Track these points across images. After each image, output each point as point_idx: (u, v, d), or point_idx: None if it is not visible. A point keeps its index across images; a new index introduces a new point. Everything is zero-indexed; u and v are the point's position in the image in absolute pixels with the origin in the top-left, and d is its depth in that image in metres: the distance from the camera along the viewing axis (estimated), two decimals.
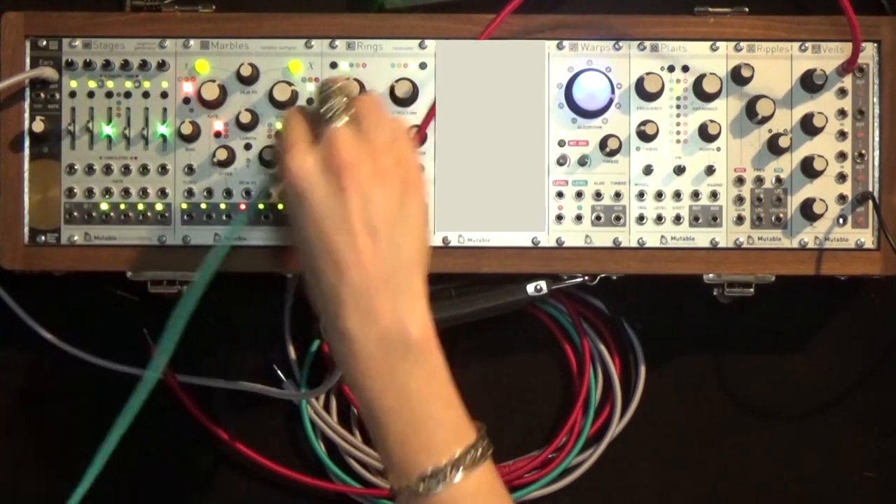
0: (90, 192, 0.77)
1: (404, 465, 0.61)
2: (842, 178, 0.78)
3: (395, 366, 0.61)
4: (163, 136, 0.78)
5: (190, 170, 0.78)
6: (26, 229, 0.77)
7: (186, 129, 0.77)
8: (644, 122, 0.77)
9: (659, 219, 0.78)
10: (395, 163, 0.63)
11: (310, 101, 0.77)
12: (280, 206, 0.76)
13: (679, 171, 0.78)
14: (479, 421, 0.65)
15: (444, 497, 0.60)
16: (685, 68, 0.78)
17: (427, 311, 0.63)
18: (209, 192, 0.78)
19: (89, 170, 0.77)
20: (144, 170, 0.77)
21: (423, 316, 0.62)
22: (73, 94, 0.77)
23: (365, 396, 0.62)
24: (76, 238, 0.77)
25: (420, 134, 0.72)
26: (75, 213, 0.77)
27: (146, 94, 0.78)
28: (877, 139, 0.78)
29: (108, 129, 0.77)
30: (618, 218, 0.78)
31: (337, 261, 0.60)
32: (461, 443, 0.62)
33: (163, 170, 0.77)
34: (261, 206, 0.77)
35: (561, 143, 0.78)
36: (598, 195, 0.78)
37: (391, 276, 0.61)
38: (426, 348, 0.62)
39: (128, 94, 0.78)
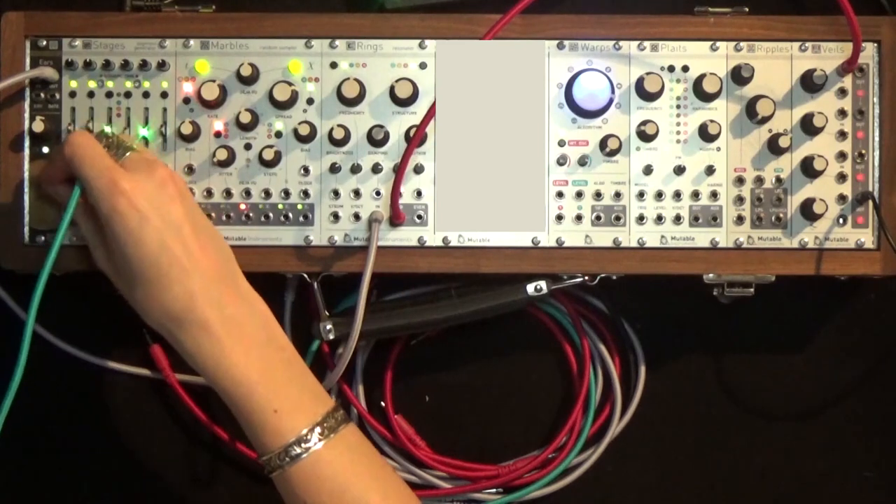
0: None
1: (274, 434, 0.67)
2: (842, 178, 0.78)
3: (253, 343, 0.68)
4: (163, 136, 0.78)
5: (190, 170, 0.78)
6: (26, 229, 0.77)
7: (186, 129, 0.77)
8: (644, 122, 0.77)
9: (659, 219, 0.78)
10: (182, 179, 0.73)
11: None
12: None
13: (679, 171, 0.78)
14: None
15: (321, 455, 0.67)
16: (685, 68, 0.78)
17: (258, 295, 0.71)
18: (209, 192, 0.78)
19: None
20: None
21: (260, 300, 0.71)
22: (73, 94, 0.77)
23: (229, 376, 0.67)
24: (76, 238, 0.77)
25: (419, 134, 0.72)
26: None
27: (146, 94, 0.78)
28: (877, 139, 0.78)
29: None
30: (618, 218, 0.78)
31: (182, 264, 0.67)
32: (324, 406, 0.69)
33: None
34: (260, 207, 0.78)
35: (561, 143, 0.78)
36: (598, 195, 0.78)
37: (223, 268, 0.69)
38: (274, 324, 0.71)
39: (128, 94, 0.78)
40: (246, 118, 0.77)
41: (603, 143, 0.77)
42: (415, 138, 0.72)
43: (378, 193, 0.78)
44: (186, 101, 0.78)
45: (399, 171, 0.73)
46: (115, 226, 0.67)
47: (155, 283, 0.67)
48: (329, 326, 0.79)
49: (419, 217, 0.78)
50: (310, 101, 0.78)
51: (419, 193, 0.78)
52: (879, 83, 0.78)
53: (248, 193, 0.78)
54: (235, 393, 0.67)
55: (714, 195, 0.78)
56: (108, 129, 0.75)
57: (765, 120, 0.78)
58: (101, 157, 0.69)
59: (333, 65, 0.78)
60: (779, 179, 0.78)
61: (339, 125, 0.77)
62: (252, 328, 0.69)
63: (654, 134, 0.77)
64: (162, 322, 0.68)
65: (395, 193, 0.75)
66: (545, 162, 0.78)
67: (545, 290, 0.79)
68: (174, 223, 0.68)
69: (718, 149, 0.78)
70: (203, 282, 0.67)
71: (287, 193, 0.78)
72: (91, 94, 0.78)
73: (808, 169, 0.77)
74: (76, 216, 0.71)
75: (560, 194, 0.78)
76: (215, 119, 0.78)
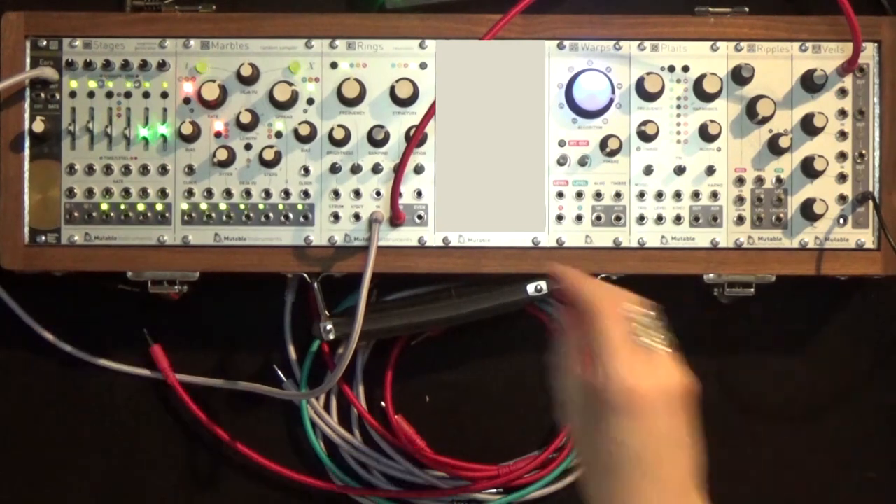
0: (90, 192, 0.77)
1: None
2: (842, 178, 0.78)
3: None
4: (163, 136, 0.78)
5: (190, 170, 0.78)
6: (26, 229, 0.77)
7: (186, 129, 0.77)
8: (644, 122, 0.77)
9: (659, 219, 0.78)
10: (689, 381, 0.68)
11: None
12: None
13: (679, 171, 0.78)
14: None
15: None
16: (685, 68, 0.78)
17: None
18: (209, 192, 0.78)
19: (89, 170, 0.77)
20: (144, 170, 0.77)
21: None
22: (73, 95, 0.77)
23: None
24: (76, 238, 0.77)
25: (419, 133, 0.72)
26: (75, 213, 0.77)
27: (146, 95, 0.78)
28: (877, 139, 0.78)
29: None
30: (618, 218, 0.78)
31: (654, 475, 0.64)
32: None
33: (163, 170, 0.77)
34: (260, 207, 0.78)
35: (561, 143, 0.78)
36: (598, 195, 0.78)
37: (687, 482, 0.65)
38: None
39: (128, 95, 0.78)
40: (246, 118, 0.77)
41: (603, 143, 0.77)
42: (414, 138, 0.72)
43: (378, 193, 0.78)
44: (187, 101, 0.78)
45: (399, 170, 0.73)
46: (604, 415, 0.64)
47: (615, 479, 0.64)
48: (329, 326, 0.79)
49: (419, 217, 0.78)
50: (310, 101, 0.78)
51: (419, 193, 0.78)
52: (880, 83, 0.78)
53: (248, 193, 0.78)
54: None
55: (714, 195, 0.78)
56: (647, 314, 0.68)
57: (765, 120, 0.78)
58: (622, 340, 0.65)
59: (334, 65, 0.78)
60: (779, 179, 0.78)
61: (340, 125, 0.77)
62: None
63: (654, 134, 0.77)
64: None
65: (395, 193, 0.75)
66: (545, 162, 0.78)
67: (545, 290, 0.79)
68: (662, 435, 0.64)
69: (719, 149, 0.78)
70: (664, 495, 0.64)
71: (287, 193, 0.78)
72: (91, 95, 0.78)
73: (809, 169, 0.77)
74: (568, 372, 0.67)
75: (560, 194, 0.78)
76: (215, 119, 0.78)
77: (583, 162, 0.78)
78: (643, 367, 0.66)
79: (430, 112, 0.72)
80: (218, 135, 0.78)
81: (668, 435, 0.65)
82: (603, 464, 0.65)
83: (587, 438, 0.66)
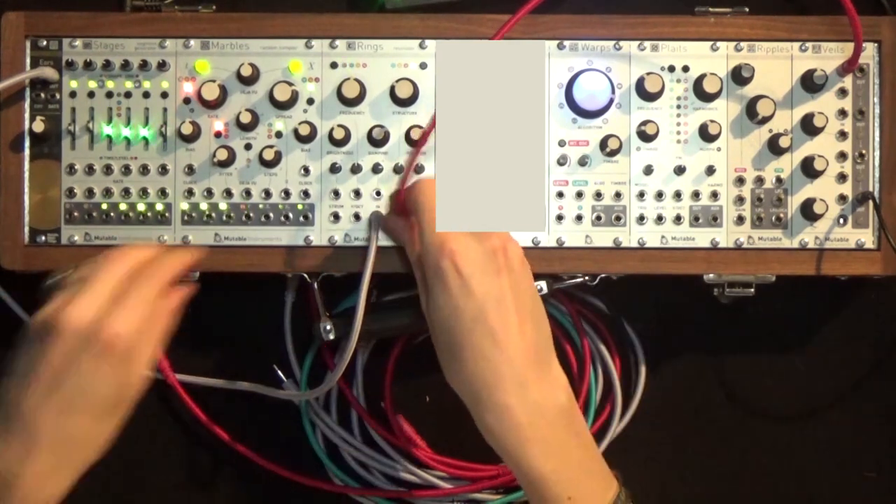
0: (90, 192, 0.77)
1: None
2: (842, 178, 0.78)
3: (552, 432, 0.65)
4: (163, 136, 0.78)
5: (190, 170, 0.78)
6: (26, 229, 0.77)
7: (186, 129, 0.77)
8: (644, 122, 0.77)
9: (659, 219, 0.78)
10: (519, 249, 0.69)
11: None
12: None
13: (679, 171, 0.78)
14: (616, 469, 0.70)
15: None
16: (685, 68, 0.78)
17: (565, 378, 0.68)
18: (209, 192, 0.78)
19: (89, 170, 0.77)
20: (144, 170, 0.77)
21: (566, 383, 0.67)
22: (73, 95, 0.77)
23: (525, 464, 0.65)
24: (76, 238, 0.77)
25: (422, 142, 0.72)
26: (75, 213, 0.77)
27: (146, 95, 0.78)
28: (877, 139, 0.78)
29: (108, 129, 0.77)
30: (618, 218, 0.78)
31: (497, 339, 0.64)
32: (611, 490, 0.67)
33: (163, 170, 0.77)
34: (260, 207, 0.78)
35: (561, 143, 0.78)
36: (598, 195, 0.78)
37: (538, 349, 0.66)
38: (575, 408, 0.68)
39: (128, 95, 0.78)
40: (246, 118, 0.77)
41: (603, 144, 0.77)
42: (418, 145, 0.72)
43: (378, 193, 0.78)
44: (187, 101, 0.78)
45: (403, 180, 0.73)
46: (436, 284, 0.65)
47: (464, 351, 0.65)
48: (329, 326, 0.79)
49: None
50: (310, 101, 0.78)
51: None
52: (880, 83, 0.78)
53: (248, 193, 0.78)
54: (529, 476, 0.65)
55: (714, 195, 0.78)
56: None
57: (765, 120, 0.78)
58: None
59: (333, 65, 0.78)
60: (779, 179, 0.78)
61: (340, 125, 0.77)
62: (553, 415, 0.66)
63: (654, 134, 0.77)
64: (462, 391, 0.66)
65: (400, 198, 0.75)
66: (545, 162, 0.78)
67: (545, 290, 0.79)
68: (496, 295, 0.65)
69: (719, 149, 0.78)
70: (512, 362, 0.64)
71: (287, 193, 0.78)
72: (91, 94, 0.78)
73: (809, 169, 0.77)
74: (411, 256, 0.70)
75: (560, 194, 0.78)
76: (215, 119, 0.78)
77: (583, 162, 0.78)
78: (460, 234, 0.66)
79: (434, 123, 0.72)
80: (218, 135, 0.78)
81: (505, 296, 0.65)
82: (454, 342, 0.65)
83: (435, 318, 0.66)
